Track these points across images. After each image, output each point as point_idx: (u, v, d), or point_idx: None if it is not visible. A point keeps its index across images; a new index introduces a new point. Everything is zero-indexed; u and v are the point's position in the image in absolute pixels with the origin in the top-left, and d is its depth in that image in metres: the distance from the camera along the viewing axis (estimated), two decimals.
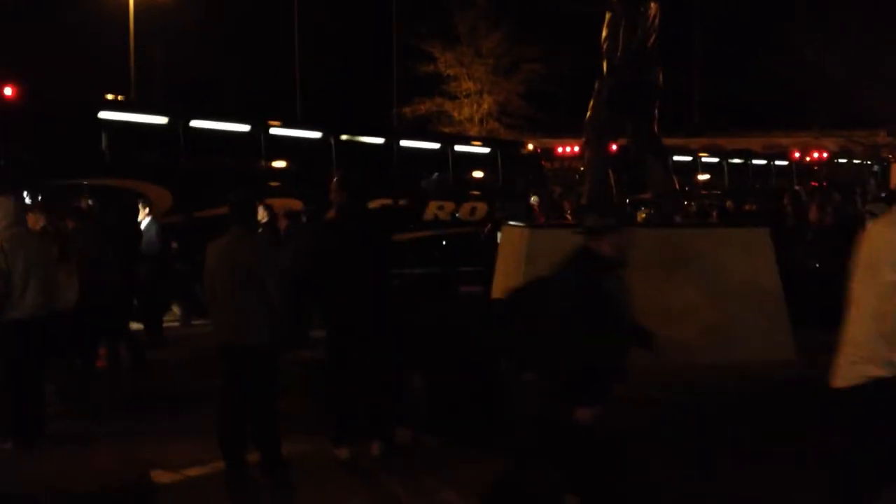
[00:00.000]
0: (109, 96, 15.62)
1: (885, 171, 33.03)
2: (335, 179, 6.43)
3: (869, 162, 33.41)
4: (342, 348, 6.24)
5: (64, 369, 7.96)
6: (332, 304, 6.27)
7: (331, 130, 17.49)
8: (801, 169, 30.65)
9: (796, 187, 19.58)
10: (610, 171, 9.74)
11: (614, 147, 10.67)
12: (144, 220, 11.92)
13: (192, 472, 6.11)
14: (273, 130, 16.60)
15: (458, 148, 20.35)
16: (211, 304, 6.05)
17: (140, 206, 12.05)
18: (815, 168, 31.20)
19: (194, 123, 15.18)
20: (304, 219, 12.30)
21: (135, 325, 11.83)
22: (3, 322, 6.39)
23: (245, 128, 16.21)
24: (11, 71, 15.43)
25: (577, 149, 22.46)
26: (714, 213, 13.96)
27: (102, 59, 30.22)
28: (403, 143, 19.22)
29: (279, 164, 16.69)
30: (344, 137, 17.77)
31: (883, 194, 18.74)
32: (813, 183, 25.83)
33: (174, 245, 12.65)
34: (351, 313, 6.15)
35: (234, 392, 5.93)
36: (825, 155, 32.31)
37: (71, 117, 13.58)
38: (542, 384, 4.96)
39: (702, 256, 8.76)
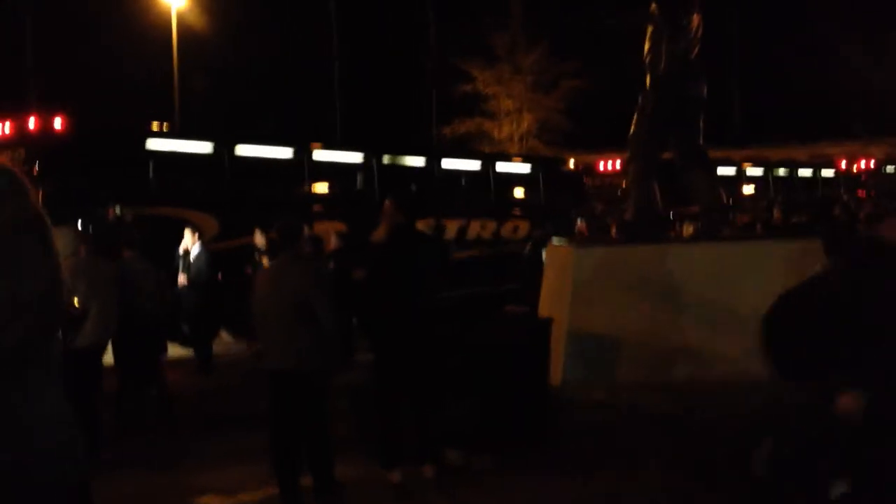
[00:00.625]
0: (155, 125, 15.87)
1: None
2: (390, 199, 6.40)
3: None
4: (392, 370, 6.24)
5: (122, 396, 8.06)
6: (385, 325, 6.27)
7: (372, 152, 17.60)
8: (847, 179, 30.15)
9: (844, 197, 19.26)
10: (655, 186, 9.67)
11: (659, 161, 10.59)
12: (194, 247, 12.05)
13: (245, 497, 6.13)
14: (316, 154, 16.74)
15: (499, 167, 20.36)
16: (260, 331, 6.09)
17: (189, 234, 12.20)
18: (863, 177, 30.67)
19: (239, 150, 15.36)
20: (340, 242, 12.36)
21: (182, 351, 12.04)
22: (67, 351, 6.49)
23: (288, 152, 16.37)
24: (60, 103, 15.76)
25: (618, 165, 22.34)
26: (758, 226, 13.77)
27: (146, 89, 30.80)
28: (444, 162, 19.28)
29: (322, 186, 16.82)
30: (386, 159, 17.86)
31: None
32: (860, 192, 25.41)
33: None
34: (404, 335, 6.15)
35: (285, 417, 5.95)
36: (872, 164, 31.77)
37: (119, 147, 13.82)
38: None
39: (750, 270, 8.64)
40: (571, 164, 22.76)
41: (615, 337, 8.22)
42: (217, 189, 14.88)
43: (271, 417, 6.05)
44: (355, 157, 17.55)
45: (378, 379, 6.34)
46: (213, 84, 36.35)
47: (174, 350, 11.14)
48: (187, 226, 12.62)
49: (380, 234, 6.53)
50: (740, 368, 8.07)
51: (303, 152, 16.35)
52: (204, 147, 15.16)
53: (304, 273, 5.99)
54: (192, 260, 11.94)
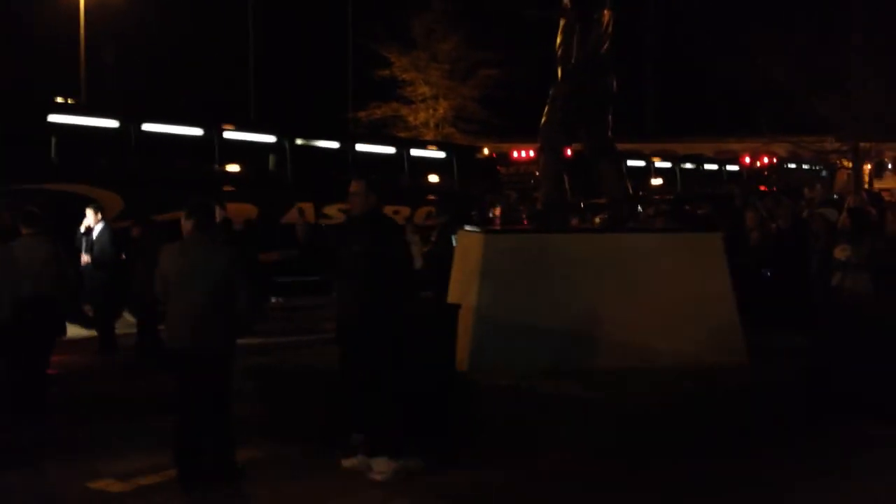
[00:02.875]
0: (59, 99, 15.37)
1: (833, 176, 33.72)
2: (363, 181, 6.37)
3: (818, 167, 34.06)
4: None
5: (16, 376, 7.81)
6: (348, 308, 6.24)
7: (285, 134, 17.40)
8: (751, 173, 31.13)
9: (735, 191, 19.59)
10: (565, 176, 9.81)
11: (569, 152, 10.74)
12: (98, 225, 11.74)
13: (143, 481, 6.01)
14: (227, 134, 16.46)
15: (413, 152, 20.36)
16: (168, 309, 5.99)
17: (93, 212, 11.87)
18: (765, 173, 31.71)
19: (146, 127, 15.00)
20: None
21: (85, 332, 11.72)
22: None
23: (198, 131, 16.07)
24: None
25: (532, 154, 22.58)
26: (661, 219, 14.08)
27: (52, 61, 29.75)
28: (359, 146, 19.19)
29: (233, 168, 16.56)
30: (299, 141, 17.68)
31: (835, 196, 19.08)
32: (762, 187, 26.23)
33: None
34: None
35: (191, 397, 5.87)
36: (774, 160, 32.86)
37: (21, 120, 13.36)
38: None
39: (654, 261, 8.85)
40: (486, 152, 22.91)
41: (523, 324, 8.32)
42: (122, 166, 14.52)
43: (181, 399, 5.94)
44: (267, 139, 17.33)
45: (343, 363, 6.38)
46: (123, 59, 35.36)
47: (75, 331, 10.85)
48: (90, 203, 12.28)
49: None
50: (643, 356, 8.30)
51: (213, 132, 16.06)
52: (109, 122, 14.76)
53: (226, 254, 5.97)
54: (94, 238, 11.63)
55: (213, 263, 5.85)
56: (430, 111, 34.99)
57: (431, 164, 20.67)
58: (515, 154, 25.93)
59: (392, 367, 6.16)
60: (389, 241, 6.30)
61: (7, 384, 7.75)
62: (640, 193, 22.90)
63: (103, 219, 11.91)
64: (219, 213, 11.29)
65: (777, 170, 32.43)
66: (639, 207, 15.31)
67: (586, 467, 6.12)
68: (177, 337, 5.90)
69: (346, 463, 6.12)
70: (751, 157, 32.09)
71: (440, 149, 22.61)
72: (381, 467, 5.93)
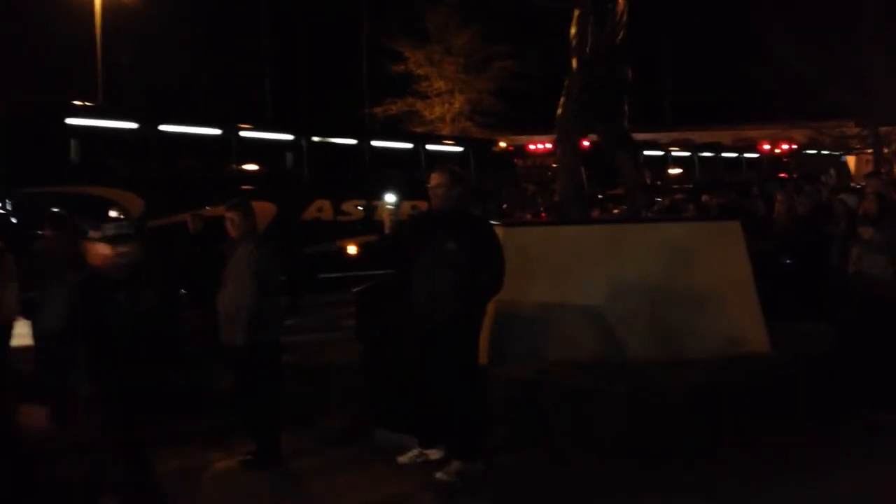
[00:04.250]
0: (78, 102, 15.49)
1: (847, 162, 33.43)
2: (446, 173, 6.19)
3: (838, 153, 33.76)
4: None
5: None
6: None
7: (302, 132, 17.44)
8: (770, 161, 30.91)
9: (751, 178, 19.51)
10: (582, 168, 9.77)
11: (586, 143, 10.70)
12: None
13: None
14: (244, 133, 16.53)
15: (430, 147, 20.36)
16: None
17: (115, 213, 11.95)
18: (785, 160, 31.48)
19: (164, 128, 15.09)
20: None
21: None
22: None
23: (216, 131, 16.14)
24: None
25: (549, 146, 22.53)
26: (691, 207, 14.01)
27: (69, 64, 29.90)
28: (375, 142, 19.21)
29: (251, 167, 16.62)
30: (315, 139, 17.72)
31: (856, 185, 18.91)
32: (782, 174, 26.05)
33: None
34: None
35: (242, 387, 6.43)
36: (794, 146, 32.61)
37: (39, 124, 13.47)
38: None
39: (674, 250, 8.81)
40: (502, 145, 22.86)
41: (544, 317, 8.30)
42: (141, 168, 14.61)
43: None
44: (284, 137, 17.38)
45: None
46: (140, 61, 35.51)
47: None
48: (112, 205, 12.39)
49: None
50: (665, 346, 8.25)
51: (230, 132, 16.12)
52: (128, 125, 14.86)
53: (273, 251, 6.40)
54: None
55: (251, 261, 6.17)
56: (446, 105, 34.96)
57: (448, 159, 20.65)
58: (532, 146, 25.88)
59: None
60: (490, 238, 6.17)
61: None
62: (658, 183, 22.82)
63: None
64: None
65: (796, 156, 32.18)
66: (657, 198, 15.24)
67: (611, 461, 6.13)
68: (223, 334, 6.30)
69: (403, 459, 6.16)
70: (769, 144, 31.86)
71: (456, 143, 22.59)
72: (457, 468, 5.90)
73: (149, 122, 14.93)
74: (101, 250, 4.81)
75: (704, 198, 15.03)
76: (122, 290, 4.73)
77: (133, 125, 14.88)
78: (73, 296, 4.68)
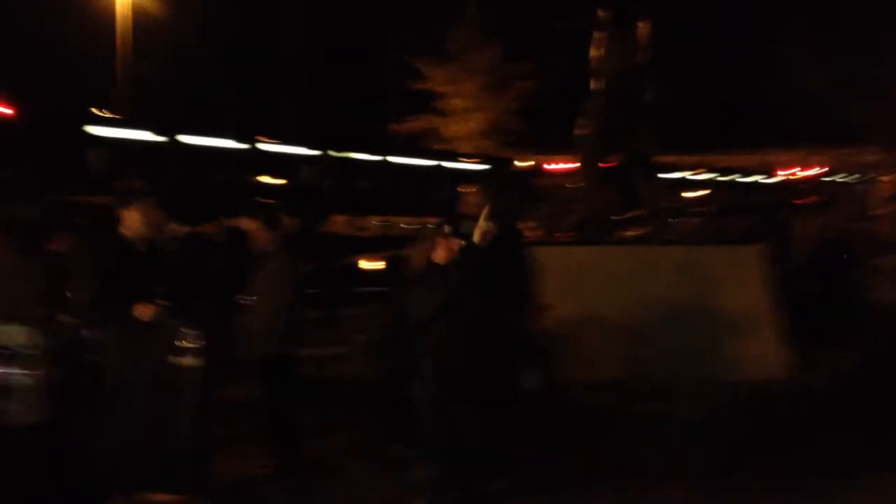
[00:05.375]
0: (99, 112, 15.61)
1: (869, 188, 33.18)
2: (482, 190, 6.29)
3: (857, 180, 33.58)
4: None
5: None
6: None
7: (323, 147, 17.51)
8: (790, 186, 30.82)
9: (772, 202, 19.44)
10: (603, 189, 9.75)
11: (607, 164, 10.68)
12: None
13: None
14: (264, 146, 16.60)
15: (449, 165, 20.40)
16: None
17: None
18: (805, 185, 31.38)
19: (184, 139, 15.18)
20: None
21: None
22: None
23: (236, 144, 16.22)
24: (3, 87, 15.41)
25: (565, 166, 22.53)
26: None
27: (89, 74, 30.11)
28: (394, 159, 19.26)
29: (271, 180, 16.69)
30: (336, 154, 17.79)
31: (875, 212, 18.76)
32: (801, 200, 25.92)
33: None
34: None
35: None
36: (814, 172, 32.51)
37: (62, 133, 13.57)
38: None
39: (696, 273, 8.76)
40: (520, 164, 22.89)
41: (567, 337, 8.25)
42: (162, 178, 14.67)
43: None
44: (306, 152, 17.46)
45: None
46: (161, 72, 35.75)
47: None
48: None
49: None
50: (687, 369, 8.17)
51: (251, 145, 16.21)
52: (150, 136, 14.96)
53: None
54: None
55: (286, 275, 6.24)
56: (465, 124, 34.98)
57: (468, 178, 20.66)
58: (548, 166, 25.88)
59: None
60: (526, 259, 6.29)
61: None
62: (678, 206, 22.75)
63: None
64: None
65: (816, 182, 32.08)
66: (674, 219, 15.17)
67: (633, 479, 6.07)
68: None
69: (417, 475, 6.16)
70: (789, 169, 31.78)
71: (475, 161, 22.62)
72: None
73: (171, 134, 15.02)
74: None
75: (727, 219, 14.97)
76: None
77: (154, 136, 14.97)
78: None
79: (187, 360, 5.51)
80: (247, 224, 6.55)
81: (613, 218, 9.99)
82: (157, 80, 35.16)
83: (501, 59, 33.79)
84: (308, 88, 37.02)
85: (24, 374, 4.65)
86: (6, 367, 4.60)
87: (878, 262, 8.60)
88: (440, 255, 5.42)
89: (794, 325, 9.09)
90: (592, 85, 9.83)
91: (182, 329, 5.51)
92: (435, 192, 18.90)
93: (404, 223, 17.16)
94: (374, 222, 16.90)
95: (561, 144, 18.51)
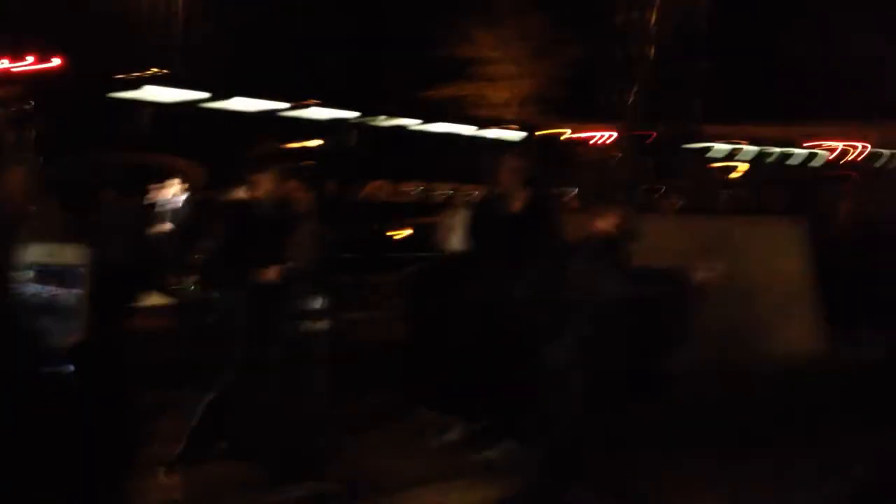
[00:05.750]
0: (152, 70, 15.76)
1: None
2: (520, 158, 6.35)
3: None
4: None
5: None
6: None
7: (368, 112, 17.55)
8: (837, 160, 30.25)
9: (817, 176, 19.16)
10: (644, 159, 9.71)
11: (652, 136, 10.61)
12: (181, 195, 12.03)
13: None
14: (309, 112, 16.68)
15: (490, 134, 20.33)
16: None
17: (179, 183, 12.15)
18: (855, 160, 30.78)
19: (234, 100, 15.30)
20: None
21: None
22: None
23: (283, 105, 16.32)
24: (55, 43, 15.58)
25: (613, 136, 22.34)
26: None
27: (146, 32, 30.32)
28: (436, 126, 19.24)
29: (316, 143, 16.78)
30: (381, 119, 17.83)
31: None
32: (849, 174, 25.46)
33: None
34: None
35: None
36: (863, 146, 31.84)
37: (116, 91, 13.75)
38: None
39: (735, 247, 8.69)
40: (566, 133, 22.74)
41: None
42: (208, 139, 14.82)
43: None
44: (351, 115, 17.50)
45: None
46: (215, 32, 35.84)
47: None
48: (176, 173, 12.58)
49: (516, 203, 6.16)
50: (722, 348, 8.13)
51: (297, 107, 16.29)
52: (199, 95, 15.10)
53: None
54: (178, 208, 11.91)
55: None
56: (509, 90, 34.69)
57: (510, 147, 20.59)
58: (594, 136, 25.67)
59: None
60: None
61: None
62: (722, 178, 22.48)
63: (188, 189, 12.20)
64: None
65: (862, 157, 31.43)
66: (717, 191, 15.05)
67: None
68: None
69: (448, 437, 6.24)
70: (837, 143, 31.16)
71: (519, 129, 22.49)
72: (506, 447, 5.98)
73: (219, 94, 15.15)
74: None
75: (768, 193, 14.81)
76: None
77: (204, 95, 15.12)
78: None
79: (318, 325, 5.57)
80: (289, 186, 6.56)
81: (661, 188, 9.95)
82: (210, 40, 35.37)
83: (549, 24, 33.42)
84: (354, 54, 36.93)
85: (74, 294, 4.66)
86: (60, 286, 4.63)
87: None
88: (608, 225, 5.23)
89: (835, 304, 9.01)
90: (644, 53, 9.74)
91: (311, 293, 5.54)
92: (475, 159, 18.84)
93: (443, 190, 17.19)
94: (412, 189, 16.94)
95: (605, 113, 18.39)
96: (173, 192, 12.12)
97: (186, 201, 12.00)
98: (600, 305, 4.91)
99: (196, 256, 6.12)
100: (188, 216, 11.86)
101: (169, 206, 12.10)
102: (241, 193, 5.98)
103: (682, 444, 6.09)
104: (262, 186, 5.62)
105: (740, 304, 8.46)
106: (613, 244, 5.07)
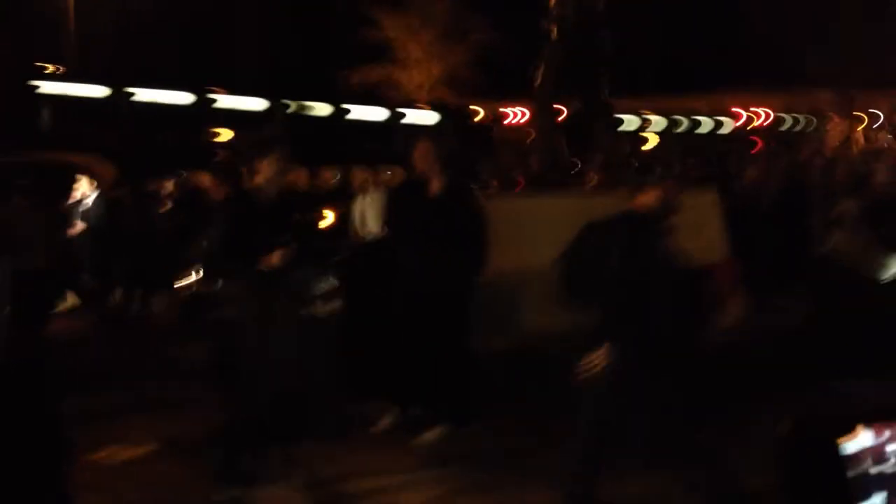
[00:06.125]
0: (49, 68, 15.25)
1: (822, 131, 33.51)
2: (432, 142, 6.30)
3: (812, 122, 33.88)
4: None
5: None
6: None
7: (277, 99, 17.31)
8: (745, 129, 31.05)
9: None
10: (561, 137, 9.77)
11: (564, 113, 10.69)
12: (92, 194, 11.68)
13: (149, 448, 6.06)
14: (217, 100, 16.37)
15: (407, 117, 20.29)
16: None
17: (87, 182, 11.80)
18: (760, 129, 31.63)
19: (136, 93, 14.92)
20: None
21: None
22: None
23: (189, 97, 15.97)
24: None
25: (526, 114, 22.49)
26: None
27: (38, 28, 29.33)
28: (351, 110, 19.11)
29: (225, 133, 16.50)
30: (290, 106, 17.60)
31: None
32: (756, 142, 26.20)
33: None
34: None
35: None
36: (769, 115, 32.74)
37: (9, 90, 13.26)
38: None
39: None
40: (480, 113, 22.81)
41: (524, 286, 8.31)
42: (114, 134, 14.44)
43: None
44: (259, 104, 17.24)
45: None
46: (111, 25, 34.84)
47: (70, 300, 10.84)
48: (83, 172, 12.21)
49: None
50: None
51: (204, 97, 15.96)
52: (99, 90, 14.67)
53: None
54: (88, 207, 11.58)
55: None
56: (423, 73, 34.66)
57: (424, 129, 20.58)
58: (509, 115, 25.83)
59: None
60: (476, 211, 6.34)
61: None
62: (634, 153, 22.86)
63: (98, 187, 11.86)
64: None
65: (772, 125, 32.33)
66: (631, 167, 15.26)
67: None
68: None
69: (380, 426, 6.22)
70: (744, 113, 31.97)
71: (434, 112, 22.51)
72: (438, 433, 6.02)
73: (120, 87, 14.74)
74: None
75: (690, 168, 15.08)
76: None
77: (105, 90, 14.69)
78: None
79: (323, 308, 5.43)
80: (201, 179, 6.44)
81: (576, 166, 10.02)
82: (106, 34, 34.35)
83: (458, 9, 33.44)
84: (260, 40, 36.34)
85: None
86: None
87: (833, 209, 8.69)
88: (649, 199, 5.05)
89: (749, 273, 9.22)
90: (548, 31, 9.81)
91: (314, 277, 5.41)
92: (391, 142, 18.81)
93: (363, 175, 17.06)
94: (328, 174, 16.79)
95: (520, 93, 18.44)
96: (82, 192, 11.77)
97: (97, 200, 11.67)
98: (642, 279, 4.81)
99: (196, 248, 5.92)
100: (101, 215, 11.54)
101: (80, 206, 11.75)
102: (169, 187, 5.83)
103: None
104: (264, 172, 5.39)
105: None
106: (655, 219, 4.97)
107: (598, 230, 5.14)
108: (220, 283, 5.68)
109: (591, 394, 4.80)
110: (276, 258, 5.18)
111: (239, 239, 5.20)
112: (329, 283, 5.50)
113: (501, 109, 26.73)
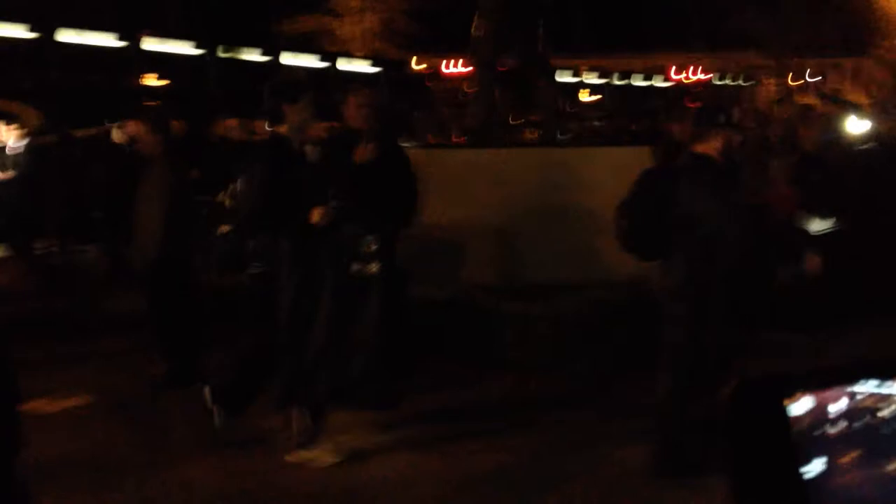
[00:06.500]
0: None
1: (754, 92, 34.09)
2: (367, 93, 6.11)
3: (747, 83, 34.41)
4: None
5: None
6: None
7: (208, 45, 16.87)
8: (680, 89, 31.37)
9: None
10: (497, 91, 9.71)
11: (501, 67, 10.62)
12: (18, 141, 11.26)
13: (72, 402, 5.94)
14: (146, 44, 15.90)
15: (340, 66, 19.99)
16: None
17: (11, 127, 11.36)
18: (696, 89, 31.99)
19: (61, 36, 14.40)
20: None
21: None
22: None
23: (116, 42, 15.48)
24: None
25: (463, 67, 22.36)
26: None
27: None
28: (284, 58, 18.75)
29: (155, 80, 16.06)
30: (222, 52, 17.19)
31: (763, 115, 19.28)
32: (691, 105, 26.43)
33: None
34: None
35: None
36: (704, 75, 33.13)
37: None
38: None
39: (586, 175, 8.87)
40: (416, 65, 22.58)
41: (460, 239, 8.31)
42: (39, 79, 13.95)
43: None
44: (188, 49, 16.79)
45: None
46: None
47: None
48: (7, 118, 11.77)
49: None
50: (569, 271, 8.34)
51: (132, 41, 15.49)
52: (22, 33, 14.12)
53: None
54: (14, 154, 11.16)
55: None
56: (359, 24, 34.11)
57: (361, 80, 20.33)
58: (446, 68, 25.63)
59: None
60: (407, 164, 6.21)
61: None
62: (571, 109, 22.95)
63: (26, 134, 11.43)
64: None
65: (707, 86, 32.72)
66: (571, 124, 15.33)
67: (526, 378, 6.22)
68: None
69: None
70: (679, 73, 32.28)
71: (371, 64, 22.22)
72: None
73: (46, 31, 14.21)
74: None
75: (632, 126, 15.17)
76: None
77: (29, 33, 14.15)
78: None
79: (372, 267, 5.26)
80: (133, 128, 6.26)
81: (513, 121, 10.00)
82: None
83: None
84: None
85: None
86: None
87: (769, 165, 8.84)
88: (708, 148, 4.96)
89: None
90: None
91: (361, 234, 5.21)
92: (327, 95, 18.52)
93: None
94: (266, 127, 16.49)
95: (458, 46, 18.29)
96: (10, 138, 11.33)
97: (27, 146, 11.24)
98: (709, 228, 4.76)
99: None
100: (29, 163, 11.14)
101: (7, 153, 11.32)
102: (116, 135, 5.59)
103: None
104: (291, 119, 5.00)
105: (590, 232, 8.65)
106: (716, 167, 4.95)
107: (662, 177, 5.15)
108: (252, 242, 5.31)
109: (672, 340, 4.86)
110: (318, 216, 4.82)
111: (280, 194, 4.77)
112: (373, 240, 5.29)
113: (439, 62, 26.51)
